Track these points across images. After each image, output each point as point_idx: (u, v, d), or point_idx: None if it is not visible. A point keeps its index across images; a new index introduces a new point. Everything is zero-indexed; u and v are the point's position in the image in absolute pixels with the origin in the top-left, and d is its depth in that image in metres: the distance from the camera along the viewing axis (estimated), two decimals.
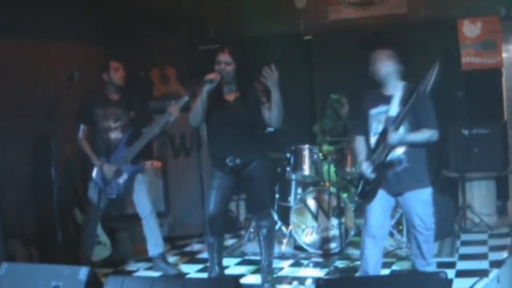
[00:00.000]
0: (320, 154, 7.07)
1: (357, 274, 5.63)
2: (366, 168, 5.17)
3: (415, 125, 5.03)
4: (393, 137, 4.93)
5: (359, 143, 5.38)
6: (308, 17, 8.79)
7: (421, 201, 5.14)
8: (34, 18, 6.64)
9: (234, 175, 5.56)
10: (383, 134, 5.07)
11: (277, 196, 7.41)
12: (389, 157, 5.05)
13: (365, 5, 8.46)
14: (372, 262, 5.27)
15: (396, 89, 5.10)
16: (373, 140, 5.21)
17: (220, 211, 5.60)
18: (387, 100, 5.11)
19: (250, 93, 5.50)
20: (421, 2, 8.25)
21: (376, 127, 5.17)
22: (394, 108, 5.04)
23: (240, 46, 5.69)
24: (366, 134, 5.32)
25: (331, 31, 8.64)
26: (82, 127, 6.18)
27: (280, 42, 8.73)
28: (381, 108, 5.15)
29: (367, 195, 5.24)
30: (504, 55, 8.13)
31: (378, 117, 5.16)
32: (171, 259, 6.72)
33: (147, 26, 8.08)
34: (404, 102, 5.03)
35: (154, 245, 6.34)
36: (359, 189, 5.30)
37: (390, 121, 5.01)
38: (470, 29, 8.02)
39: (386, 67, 5.10)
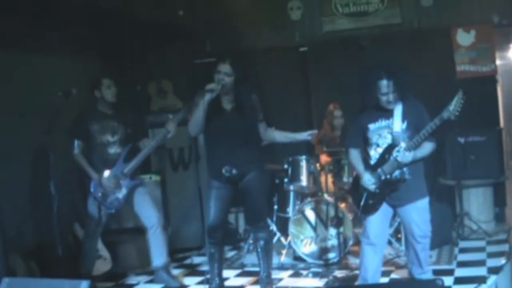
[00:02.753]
0: (318, 165, 7.10)
1: (357, 283, 5.66)
2: (368, 181, 5.22)
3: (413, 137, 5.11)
4: (407, 157, 5.00)
5: (354, 156, 5.44)
6: (303, 28, 8.84)
7: (418, 210, 5.21)
8: (30, 33, 6.67)
9: (231, 185, 5.59)
10: (389, 149, 5.13)
11: (275, 207, 7.45)
12: (396, 173, 5.13)
13: (359, 16, 8.51)
14: (372, 270, 5.32)
15: (395, 106, 5.16)
16: (373, 152, 5.26)
17: (220, 221, 5.63)
18: (386, 115, 5.18)
19: (246, 104, 5.55)
20: (415, 12, 8.30)
21: (376, 141, 5.23)
22: (397, 124, 5.12)
23: (240, 60, 5.72)
24: (362, 147, 5.39)
25: (326, 42, 8.70)
26: (76, 142, 6.17)
27: (275, 54, 8.80)
28: (380, 123, 5.21)
29: (371, 209, 5.28)
30: (499, 62, 8.19)
31: (378, 132, 5.22)
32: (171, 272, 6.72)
33: (143, 40, 8.13)
34: (404, 117, 5.10)
35: (159, 256, 6.33)
36: (362, 202, 5.32)
37: (397, 138, 5.08)
38: (464, 37, 8.08)
39: (389, 97, 5.13)
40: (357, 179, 5.47)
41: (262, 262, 5.75)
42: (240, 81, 5.54)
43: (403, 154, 5.01)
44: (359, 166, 5.38)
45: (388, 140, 5.17)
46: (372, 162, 5.27)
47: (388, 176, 5.13)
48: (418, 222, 5.20)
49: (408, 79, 5.26)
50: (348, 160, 5.76)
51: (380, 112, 5.23)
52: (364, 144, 5.37)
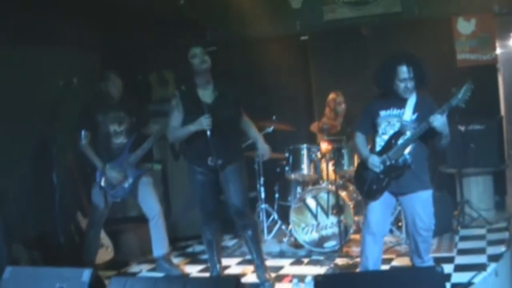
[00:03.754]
0: (318, 153, 7.12)
1: (357, 271, 5.71)
2: (374, 162, 5.20)
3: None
4: (440, 120, 4.92)
5: (360, 140, 5.44)
6: (304, 17, 8.84)
7: (422, 202, 5.20)
8: (33, 25, 6.69)
9: (213, 173, 5.53)
10: (395, 136, 5.14)
11: (277, 195, 7.49)
12: (400, 160, 5.15)
13: (360, 5, 8.51)
14: (373, 259, 5.34)
15: (409, 96, 5.16)
16: (379, 139, 5.27)
17: (214, 206, 5.61)
18: (399, 104, 5.18)
19: (229, 95, 5.52)
20: (415, 0, 8.30)
21: (385, 128, 5.22)
22: (408, 114, 5.13)
23: (238, 44, 5.72)
24: (369, 134, 5.40)
25: (327, 31, 8.70)
26: (84, 133, 6.17)
27: (276, 43, 8.81)
28: (392, 111, 5.20)
29: (373, 194, 5.30)
30: (499, 51, 8.19)
31: (388, 119, 5.22)
32: (173, 260, 6.76)
33: (144, 31, 8.14)
34: (415, 108, 5.11)
35: (160, 246, 6.38)
36: (366, 187, 5.33)
37: (405, 127, 5.10)
38: (464, 26, 8.09)
39: (407, 84, 5.13)
40: (361, 165, 5.48)
41: (254, 251, 5.74)
42: (219, 70, 5.54)
43: (435, 118, 4.93)
44: (364, 150, 5.37)
45: (396, 128, 5.18)
46: (378, 148, 5.28)
47: (393, 162, 5.14)
48: (422, 215, 5.19)
49: (428, 70, 5.23)
50: (354, 143, 5.72)
51: (393, 100, 5.22)
52: (372, 130, 5.38)
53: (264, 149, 5.68)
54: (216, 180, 5.58)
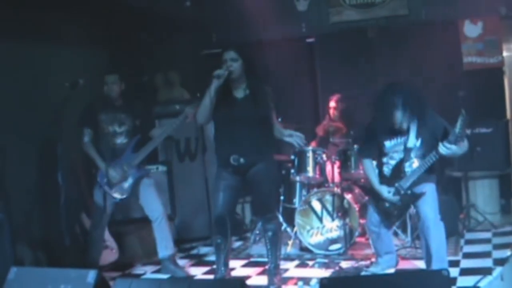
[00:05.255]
0: (324, 156, 7.10)
1: (363, 274, 5.75)
2: (388, 193, 5.46)
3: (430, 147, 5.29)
4: (447, 150, 5.10)
5: (369, 167, 5.68)
6: (310, 19, 8.82)
7: (426, 193, 5.38)
8: (39, 24, 6.69)
9: (239, 176, 5.56)
10: (400, 163, 5.40)
11: (282, 197, 7.47)
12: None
13: (366, 7, 8.49)
14: (379, 247, 5.85)
15: (409, 123, 5.28)
16: (386, 159, 5.54)
17: (227, 212, 5.59)
18: (402, 132, 5.39)
19: (259, 94, 5.53)
20: (422, 3, 8.28)
21: (392, 155, 5.49)
22: (411, 141, 5.35)
23: (244, 46, 5.75)
24: (375, 157, 5.68)
25: (333, 33, 8.69)
26: (86, 131, 6.23)
27: (282, 45, 8.79)
28: (396, 140, 5.45)
29: (396, 219, 5.62)
30: (506, 54, 8.17)
31: (394, 148, 5.46)
32: (178, 262, 6.75)
33: (150, 31, 8.14)
34: (417, 134, 5.30)
35: (165, 247, 6.37)
36: (391, 218, 5.58)
37: (409, 153, 5.25)
38: (471, 29, 8.07)
39: (403, 116, 5.26)
40: (375, 193, 5.66)
41: (270, 254, 5.74)
42: (251, 69, 5.55)
43: (444, 146, 5.08)
44: (374, 179, 5.61)
45: (402, 155, 5.37)
46: (387, 172, 5.47)
47: (409, 192, 5.29)
48: (430, 205, 5.39)
49: (424, 99, 5.38)
50: (363, 167, 5.91)
51: (395, 130, 5.41)
52: (379, 155, 5.56)
53: (295, 136, 5.61)
54: (240, 185, 5.62)
